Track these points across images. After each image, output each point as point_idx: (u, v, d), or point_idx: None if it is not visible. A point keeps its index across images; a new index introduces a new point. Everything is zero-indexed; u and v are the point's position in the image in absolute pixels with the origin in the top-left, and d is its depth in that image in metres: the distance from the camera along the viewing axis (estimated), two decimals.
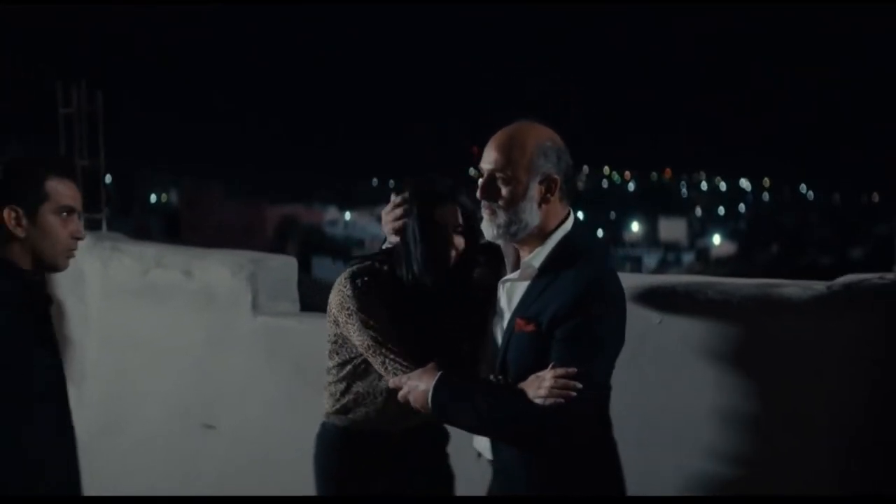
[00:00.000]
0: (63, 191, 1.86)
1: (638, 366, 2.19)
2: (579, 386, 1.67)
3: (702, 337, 2.14)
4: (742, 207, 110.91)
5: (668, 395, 2.23)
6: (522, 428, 1.74)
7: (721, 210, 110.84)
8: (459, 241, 2.04)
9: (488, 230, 1.88)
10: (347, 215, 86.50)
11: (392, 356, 1.95)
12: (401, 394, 1.90)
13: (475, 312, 2.06)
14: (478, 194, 1.88)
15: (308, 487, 2.44)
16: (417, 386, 1.85)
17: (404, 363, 1.94)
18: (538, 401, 1.70)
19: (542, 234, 1.85)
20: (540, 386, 1.71)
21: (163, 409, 3.14)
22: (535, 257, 1.84)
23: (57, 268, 1.90)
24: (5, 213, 1.80)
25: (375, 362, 2.00)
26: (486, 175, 1.85)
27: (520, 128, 1.86)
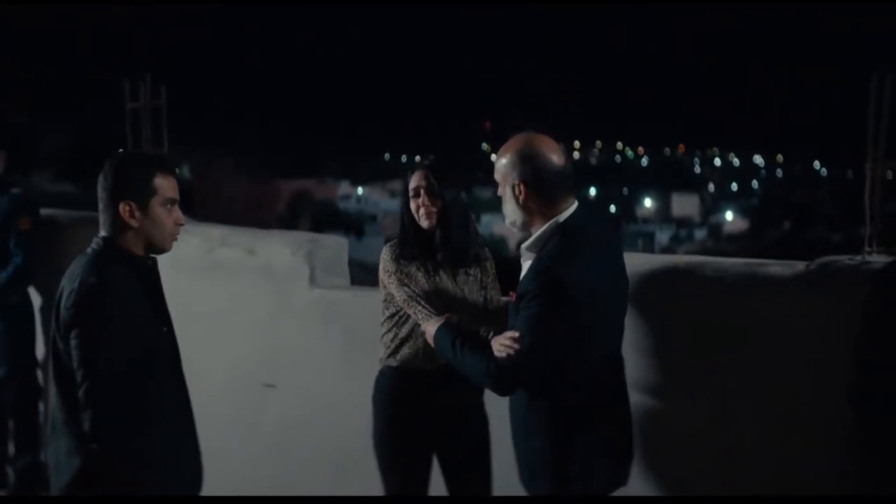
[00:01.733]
0: (167, 185, 2.24)
1: (642, 334, 2.60)
2: (516, 347, 2.14)
3: (699, 309, 2.55)
4: (755, 184, 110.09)
5: (671, 360, 2.63)
6: (477, 371, 2.26)
7: (734, 186, 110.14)
8: (413, 203, 2.63)
9: (507, 221, 2.35)
10: (360, 190, 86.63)
11: (421, 306, 2.53)
12: (422, 328, 2.51)
13: (477, 292, 2.68)
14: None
15: (354, 436, 2.89)
16: (429, 328, 2.45)
17: (431, 310, 2.51)
18: (496, 354, 2.20)
19: (536, 225, 2.26)
20: (498, 342, 2.21)
21: (229, 371, 3.57)
22: (527, 244, 2.29)
23: (164, 251, 2.29)
24: (121, 207, 2.18)
25: (410, 311, 2.57)
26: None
27: (505, 145, 2.30)
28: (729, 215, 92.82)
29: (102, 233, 2.20)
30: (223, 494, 2.94)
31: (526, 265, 2.28)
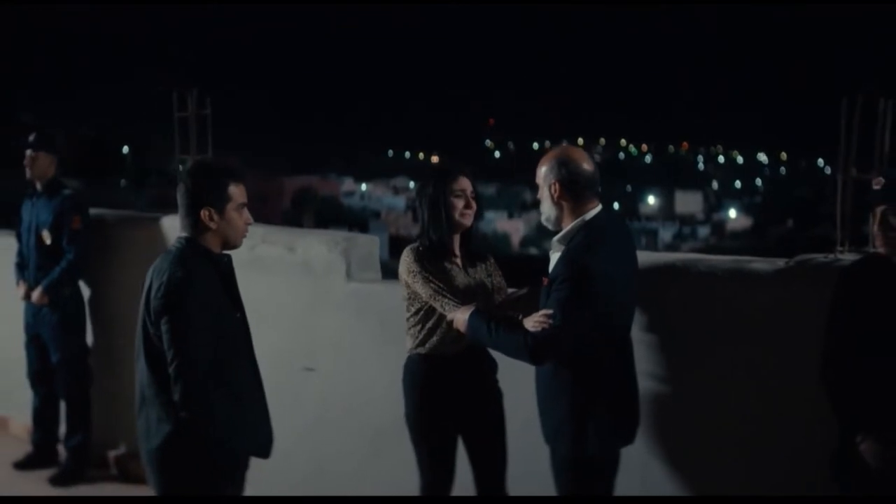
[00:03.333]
0: (239, 192, 2.63)
1: (643, 322, 2.98)
2: (550, 322, 2.53)
3: (693, 300, 2.93)
4: (759, 181, 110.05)
5: (668, 345, 3.01)
6: (513, 346, 2.64)
7: (737, 183, 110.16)
8: (458, 205, 2.97)
9: (542, 219, 2.79)
10: (363, 186, 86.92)
11: (447, 298, 2.88)
12: (449, 317, 2.85)
13: (487, 281, 3.05)
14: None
15: (386, 415, 3.28)
16: (459, 316, 2.80)
17: (455, 302, 2.86)
18: (531, 329, 2.57)
19: (566, 221, 2.70)
20: (532, 320, 2.58)
21: (273, 356, 3.91)
22: (558, 237, 2.71)
23: (236, 247, 2.67)
24: (202, 213, 2.55)
25: (437, 305, 2.91)
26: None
27: (546, 154, 2.77)
28: (732, 213, 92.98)
29: (184, 234, 2.58)
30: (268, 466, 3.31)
31: (555, 256, 2.71)
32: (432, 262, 2.96)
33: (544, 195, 2.74)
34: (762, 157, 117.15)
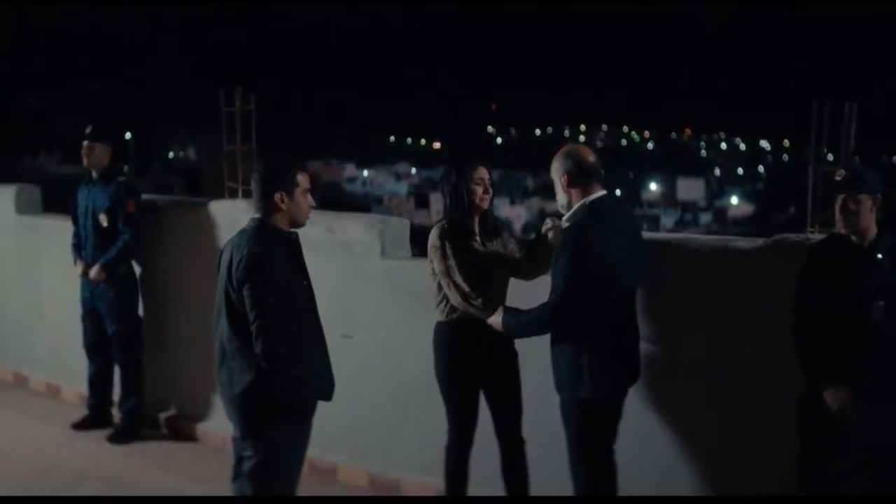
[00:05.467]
0: (304, 179, 3.12)
1: (640, 294, 3.47)
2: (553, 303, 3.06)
3: (685, 273, 3.43)
4: (761, 168, 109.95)
5: (662, 313, 3.51)
6: (538, 320, 3.16)
7: (740, 170, 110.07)
8: (477, 191, 3.49)
9: (558, 206, 3.29)
10: (365, 172, 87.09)
11: (453, 280, 3.41)
12: (490, 321, 3.35)
13: (501, 245, 3.57)
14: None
15: (417, 377, 3.78)
16: (495, 319, 3.32)
17: (462, 284, 3.39)
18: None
19: (574, 204, 3.19)
20: None
21: None
22: (565, 217, 3.22)
23: (302, 226, 3.15)
24: (276, 195, 3.04)
25: (444, 282, 3.45)
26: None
27: (558, 152, 3.28)
28: (734, 200, 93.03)
29: (257, 215, 3.06)
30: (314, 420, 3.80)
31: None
32: (455, 239, 3.47)
33: (557, 186, 3.25)
34: (765, 145, 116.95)
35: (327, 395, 3.09)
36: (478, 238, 3.53)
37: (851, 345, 2.91)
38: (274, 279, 2.89)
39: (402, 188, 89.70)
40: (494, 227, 3.62)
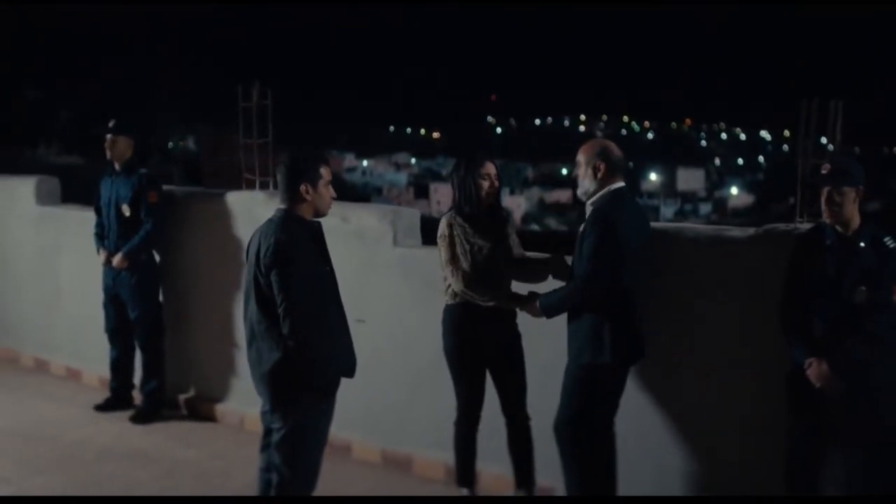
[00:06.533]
0: (327, 172, 3.33)
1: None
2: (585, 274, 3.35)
3: (682, 260, 3.66)
4: (761, 158, 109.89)
5: (662, 296, 3.74)
6: (571, 294, 3.46)
7: (740, 161, 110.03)
8: (484, 185, 3.74)
9: (578, 192, 3.58)
10: (365, 163, 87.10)
11: (457, 267, 3.67)
12: (527, 312, 3.63)
13: (505, 237, 3.82)
14: (574, 172, 3.59)
15: (426, 358, 4.02)
16: (533, 307, 3.58)
17: (466, 270, 3.65)
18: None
19: (597, 192, 3.48)
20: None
21: None
22: (591, 200, 3.51)
23: (324, 216, 3.36)
24: (302, 186, 3.25)
25: (447, 270, 3.71)
26: (577, 165, 3.56)
27: (589, 142, 3.60)
28: (734, 190, 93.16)
29: (282, 206, 3.28)
30: None
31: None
32: (462, 229, 3.71)
33: (587, 173, 3.52)
34: (765, 135, 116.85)
35: (349, 372, 3.32)
36: (484, 229, 3.75)
37: (835, 326, 3.14)
38: (299, 265, 3.11)
39: (402, 178, 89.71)
40: (500, 218, 3.85)
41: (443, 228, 3.74)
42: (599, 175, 3.49)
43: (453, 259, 3.67)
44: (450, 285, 3.76)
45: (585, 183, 3.54)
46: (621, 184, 3.51)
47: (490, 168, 3.75)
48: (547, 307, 3.54)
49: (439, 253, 3.77)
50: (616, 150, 3.56)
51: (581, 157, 3.55)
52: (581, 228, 3.49)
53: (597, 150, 3.54)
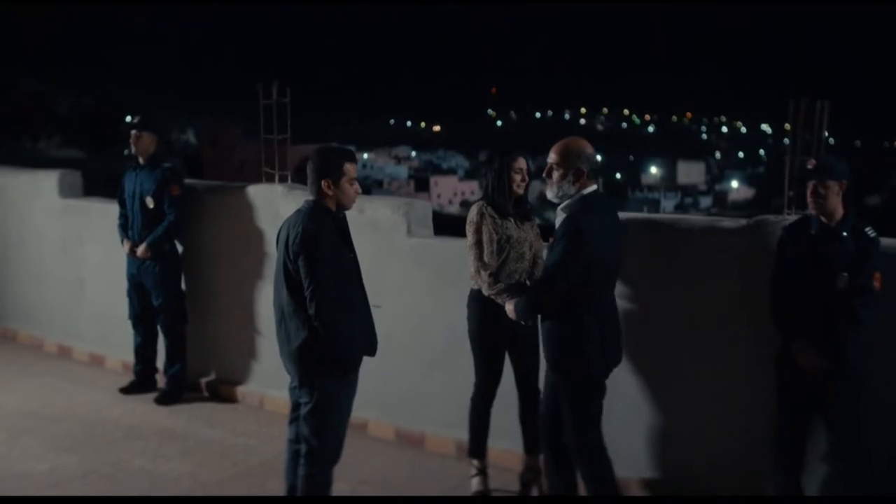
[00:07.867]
0: (351, 169, 3.59)
1: (635, 268, 3.97)
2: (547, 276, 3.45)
3: (676, 250, 3.93)
4: (762, 152, 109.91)
5: (656, 285, 4.01)
6: (535, 300, 3.55)
7: (741, 154, 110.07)
8: (516, 179, 3.97)
9: (549, 194, 3.59)
10: (365, 156, 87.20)
11: (480, 252, 3.89)
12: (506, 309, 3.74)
13: (531, 229, 4.01)
14: (543, 174, 3.56)
15: (438, 343, 4.29)
16: (509, 307, 3.69)
17: (482, 260, 3.87)
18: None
19: (572, 195, 3.50)
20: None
21: None
22: (562, 206, 3.52)
23: (349, 209, 3.62)
24: (323, 183, 3.51)
25: (470, 254, 3.94)
26: (549, 164, 3.53)
27: (567, 141, 3.54)
28: (735, 183, 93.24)
29: (311, 197, 3.54)
30: None
31: (559, 219, 3.61)
32: (493, 218, 3.95)
33: (566, 177, 3.43)
34: (766, 128, 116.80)
35: (371, 350, 3.59)
36: (511, 220, 4.00)
37: (819, 309, 3.41)
38: (325, 252, 3.38)
39: (403, 171, 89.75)
40: (527, 211, 4.10)
41: (472, 216, 3.99)
42: (580, 181, 3.43)
43: (476, 244, 3.91)
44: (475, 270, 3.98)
45: (564, 187, 3.45)
46: (594, 187, 3.49)
47: (522, 163, 4.01)
48: (519, 311, 3.61)
49: (467, 238, 4.00)
50: (592, 155, 3.48)
51: (557, 158, 3.46)
52: (555, 231, 3.50)
53: (577, 154, 3.44)
